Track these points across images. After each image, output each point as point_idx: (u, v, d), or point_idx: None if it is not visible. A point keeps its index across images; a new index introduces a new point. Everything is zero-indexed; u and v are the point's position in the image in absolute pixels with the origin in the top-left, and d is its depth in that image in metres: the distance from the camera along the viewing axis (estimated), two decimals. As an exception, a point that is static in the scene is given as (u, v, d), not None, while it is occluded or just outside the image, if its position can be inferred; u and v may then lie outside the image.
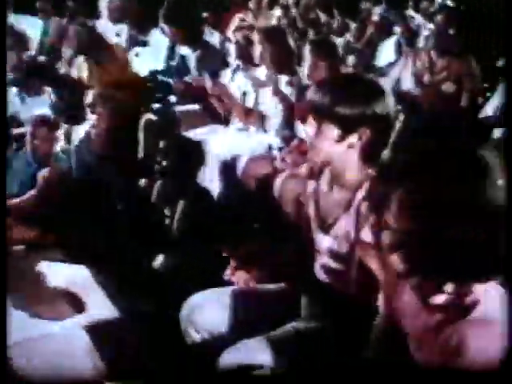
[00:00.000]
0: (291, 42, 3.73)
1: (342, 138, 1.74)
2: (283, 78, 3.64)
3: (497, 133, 3.71)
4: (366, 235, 1.26)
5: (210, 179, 3.53)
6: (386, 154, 1.79)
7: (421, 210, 1.09)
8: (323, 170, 1.90)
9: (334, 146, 1.75)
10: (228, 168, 3.54)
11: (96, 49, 4.04)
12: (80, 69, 4.12)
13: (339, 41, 6.00)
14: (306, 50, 3.25)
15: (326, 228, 1.86)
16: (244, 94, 3.88)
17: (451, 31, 4.25)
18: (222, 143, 3.65)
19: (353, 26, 6.76)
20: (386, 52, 5.41)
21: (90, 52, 4.05)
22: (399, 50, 5.31)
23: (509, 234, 1.12)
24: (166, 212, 3.39)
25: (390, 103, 1.77)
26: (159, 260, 3.15)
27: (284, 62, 3.68)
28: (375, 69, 5.08)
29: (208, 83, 3.92)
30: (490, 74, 4.31)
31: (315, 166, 1.90)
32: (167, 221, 3.39)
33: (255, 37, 3.67)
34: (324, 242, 1.86)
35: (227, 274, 1.93)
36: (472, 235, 1.07)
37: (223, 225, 3.05)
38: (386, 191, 1.13)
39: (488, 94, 4.19)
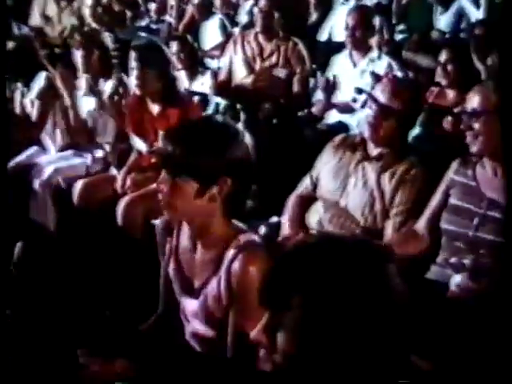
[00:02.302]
0: (109, 44, 3.40)
1: (201, 193, 1.56)
2: (107, 86, 3.32)
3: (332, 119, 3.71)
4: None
5: (44, 211, 3.17)
6: (250, 203, 1.65)
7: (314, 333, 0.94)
8: (181, 224, 1.71)
9: (194, 201, 1.56)
10: (62, 195, 3.19)
11: None
12: None
13: (161, 26, 5.72)
14: (132, 58, 2.95)
15: (192, 291, 1.67)
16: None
17: (276, 14, 4.16)
18: (52, 166, 3.27)
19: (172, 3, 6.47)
20: (211, 34, 5.22)
21: None
22: (224, 31, 5.14)
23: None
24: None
25: (248, 144, 1.61)
26: None
27: (103, 67, 3.35)
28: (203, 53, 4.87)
29: None
30: (318, 54, 4.31)
31: (172, 221, 1.70)
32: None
33: (74, 42, 3.30)
34: (192, 306, 1.67)
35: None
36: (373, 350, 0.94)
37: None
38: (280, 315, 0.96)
39: (318, 74, 4.19)
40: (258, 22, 4.06)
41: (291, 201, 2.75)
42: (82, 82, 3.36)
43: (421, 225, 2.35)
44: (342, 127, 3.67)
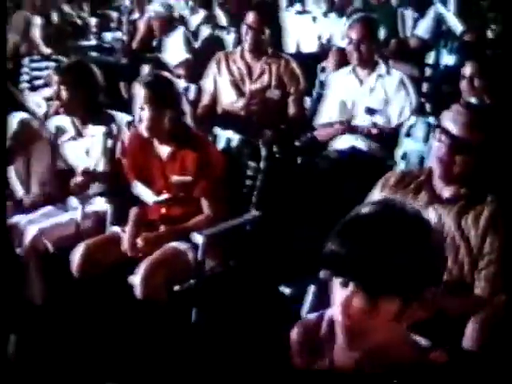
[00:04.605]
0: (98, 75, 2.84)
1: (403, 311, 1.12)
2: (97, 129, 2.76)
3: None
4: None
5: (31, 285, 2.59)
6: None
7: None
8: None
9: (389, 323, 1.13)
10: (52, 262, 2.61)
11: None
12: None
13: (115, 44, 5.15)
14: (140, 96, 2.42)
15: None
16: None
17: (266, 30, 3.73)
18: (34, 226, 2.69)
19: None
20: (174, 50, 4.70)
21: None
22: (189, 46, 4.64)
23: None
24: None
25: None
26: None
27: (91, 107, 2.80)
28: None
29: None
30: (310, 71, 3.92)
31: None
32: None
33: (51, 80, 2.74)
34: None
35: None
36: None
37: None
38: None
39: (315, 92, 3.80)
40: (247, 40, 3.59)
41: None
42: (66, 123, 2.80)
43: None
44: (357, 153, 3.31)
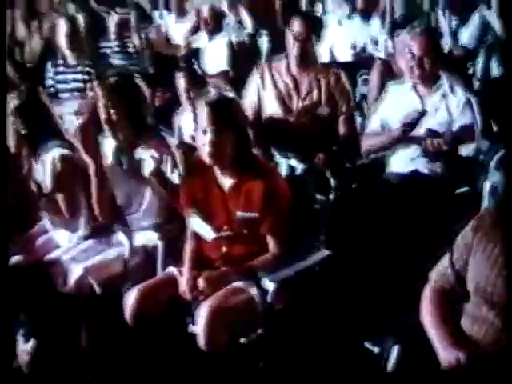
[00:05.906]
0: (144, 88, 2.55)
1: None
2: (146, 154, 2.47)
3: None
4: None
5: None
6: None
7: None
8: None
9: None
10: (98, 305, 2.34)
11: None
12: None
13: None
14: (205, 118, 2.15)
15: None
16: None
17: (314, 38, 3.42)
18: (79, 264, 2.41)
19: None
20: (214, 56, 4.43)
21: None
22: (233, 57, 4.37)
23: None
24: None
25: None
26: None
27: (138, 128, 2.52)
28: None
29: None
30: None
31: None
32: None
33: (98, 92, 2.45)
34: None
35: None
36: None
37: None
38: None
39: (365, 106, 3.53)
40: (294, 53, 3.28)
41: (430, 299, 2.08)
42: (110, 146, 2.52)
43: None
44: (421, 178, 3.04)
